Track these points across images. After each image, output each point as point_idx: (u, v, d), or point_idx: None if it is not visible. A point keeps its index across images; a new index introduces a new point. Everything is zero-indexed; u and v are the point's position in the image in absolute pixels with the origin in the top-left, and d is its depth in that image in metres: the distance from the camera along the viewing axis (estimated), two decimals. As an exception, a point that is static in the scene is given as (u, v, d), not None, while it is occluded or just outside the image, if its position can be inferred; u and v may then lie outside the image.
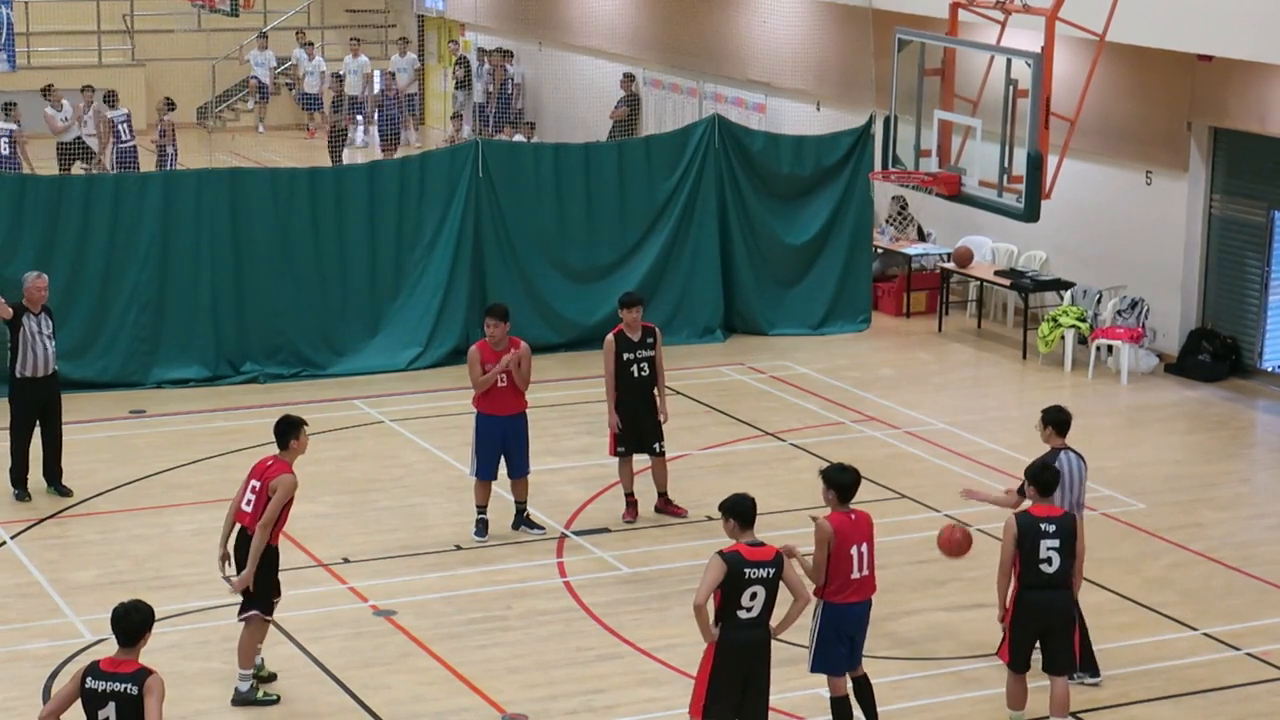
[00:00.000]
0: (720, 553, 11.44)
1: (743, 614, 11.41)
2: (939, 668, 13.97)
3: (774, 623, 11.68)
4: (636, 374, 16.57)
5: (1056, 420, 13.47)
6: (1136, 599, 15.35)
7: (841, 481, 12.26)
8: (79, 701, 10.05)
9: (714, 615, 11.50)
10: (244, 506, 13.16)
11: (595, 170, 22.81)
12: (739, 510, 11.60)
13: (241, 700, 13.22)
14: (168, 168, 29.42)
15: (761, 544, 11.52)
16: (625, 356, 16.54)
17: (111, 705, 9.96)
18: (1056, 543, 12.42)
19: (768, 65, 28.51)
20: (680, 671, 13.42)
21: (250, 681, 13.27)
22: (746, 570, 11.36)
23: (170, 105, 30.84)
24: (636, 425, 16.65)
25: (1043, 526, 12.45)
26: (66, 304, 18.19)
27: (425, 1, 37.91)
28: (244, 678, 13.25)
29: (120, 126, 30.29)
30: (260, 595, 13.16)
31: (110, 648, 10.23)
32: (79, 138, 30.53)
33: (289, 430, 13.22)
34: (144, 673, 10.03)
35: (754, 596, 11.39)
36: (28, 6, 35.47)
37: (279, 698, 13.29)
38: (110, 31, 37.57)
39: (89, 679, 10.03)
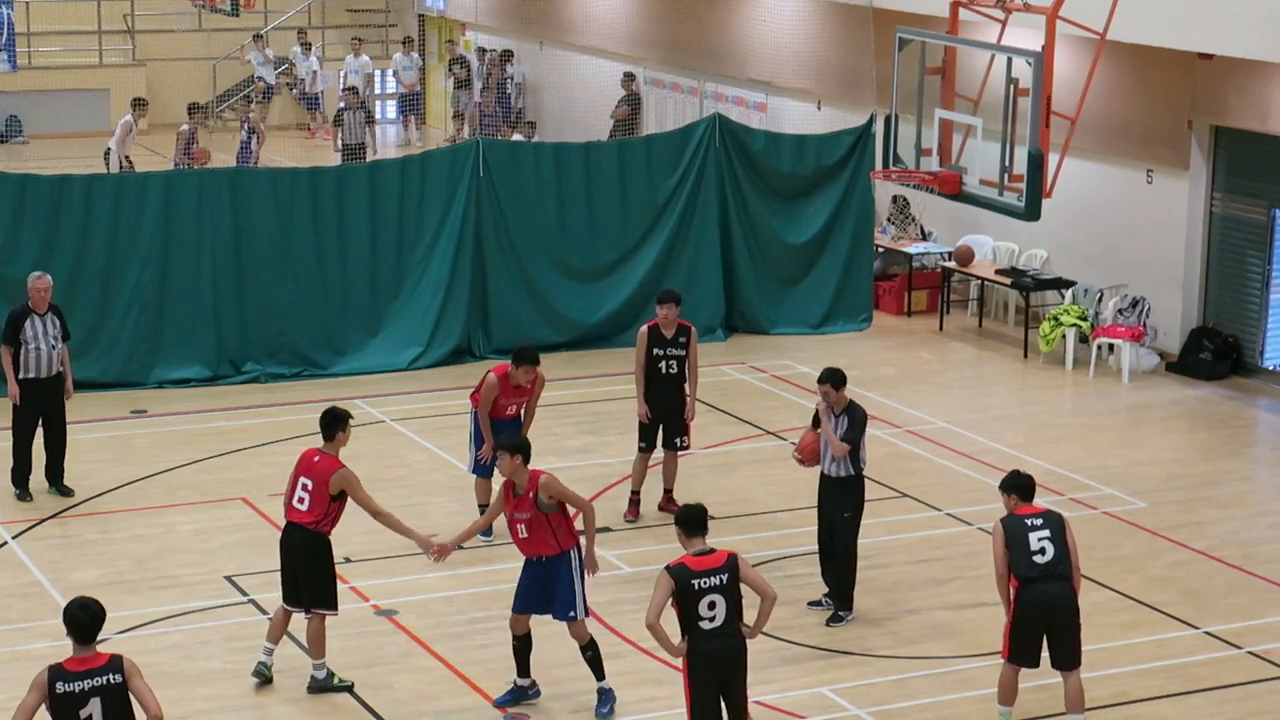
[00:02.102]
0: (667, 567, 11.42)
1: (705, 624, 11.37)
2: (939, 666, 13.97)
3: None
4: (665, 370, 16.58)
5: (845, 379, 14.54)
6: (1138, 598, 15.35)
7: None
8: (44, 710, 9.98)
9: (679, 629, 11.47)
10: (296, 504, 13.24)
11: (596, 170, 22.81)
12: (684, 520, 11.59)
13: (319, 688, 13.35)
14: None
15: (711, 551, 11.47)
16: (655, 352, 16.55)
17: (95, 701, 9.92)
18: (1047, 533, 12.46)
19: (768, 64, 28.50)
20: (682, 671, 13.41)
21: (325, 669, 13.39)
22: (695, 581, 11.32)
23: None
24: (661, 421, 16.67)
25: (1029, 521, 12.52)
26: (67, 304, 18.18)
27: (426, 1, 37.92)
28: (319, 666, 13.39)
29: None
30: (332, 590, 13.35)
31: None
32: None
33: (335, 423, 13.44)
34: (118, 659, 10.05)
35: (712, 606, 11.34)
36: (28, 6, 35.48)
37: (353, 684, 13.44)
38: (111, 31, 37.58)
39: (59, 683, 9.92)
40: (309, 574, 13.27)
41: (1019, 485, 12.77)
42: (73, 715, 9.96)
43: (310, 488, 13.17)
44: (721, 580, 11.36)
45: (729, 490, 17.60)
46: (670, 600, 11.36)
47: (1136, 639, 14.54)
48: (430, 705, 13.28)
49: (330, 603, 13.36)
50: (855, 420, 14.48)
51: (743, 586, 11.49)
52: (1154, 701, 13.49)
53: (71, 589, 15.14)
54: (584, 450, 18.87)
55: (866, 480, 14.75)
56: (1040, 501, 16.97)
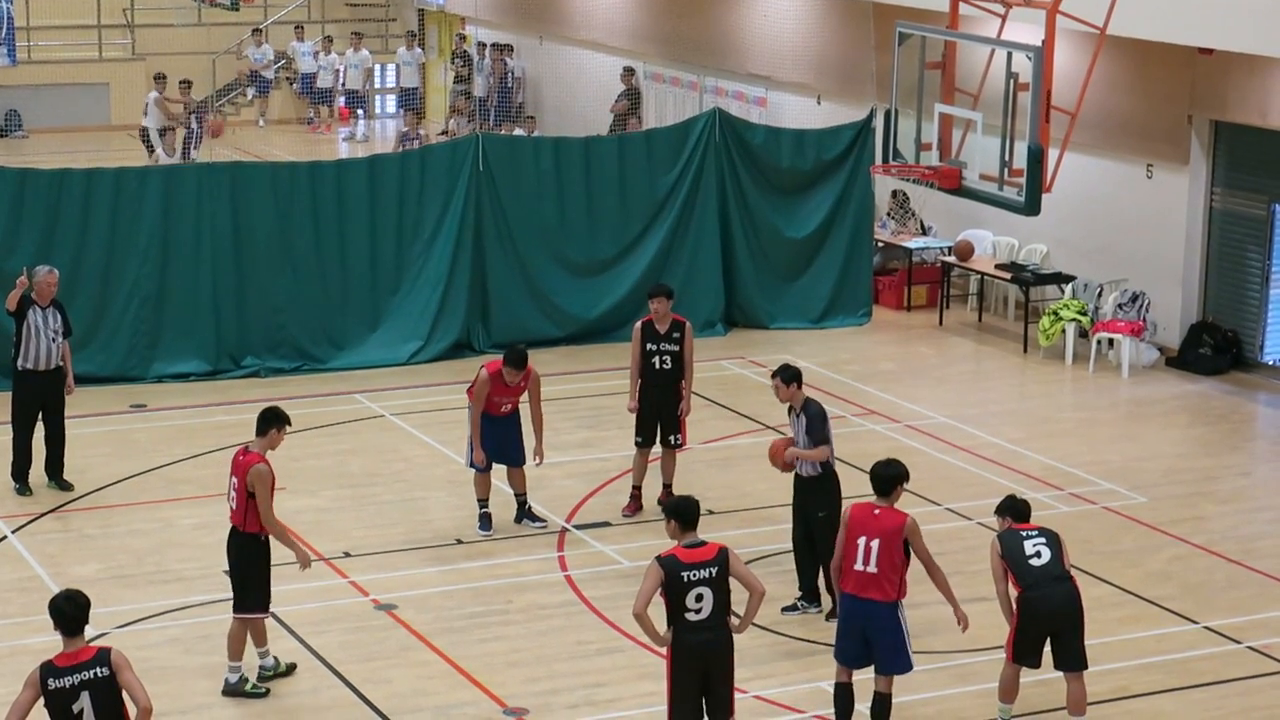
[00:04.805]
0: (657, 558, 11.43)
1: (691, 616, 11.38)
2: (939, 661, 13.97)
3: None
4: (659, 365, 16.53)
5: (799, 376, 14.44)
6: (1137, 592, 15.35)
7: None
8: (40, 705, 10.02)
9: (666, 619, 11.49)
10: (230, 504, 13.20)
11: (596, 164, 22.80)
12: (679, 512, 11.56)
13: (230, 691, 13.27)
14: (194, 145, 29.95)
15: (702, 544, 11.46)
16: (649, 347, 16.51)
17: (85, 695, 9.96)
18: (1042, 540, 12.52)
19: (768, 59, 28.49)
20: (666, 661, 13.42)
21: (239, 674, 13.30)
22: (684, 573, 11.32)
23: (189, 85, 31.20)
24: (657, 417, 16.64)
25: (1024, 534, 12.59)
26: (67, 298, 18.19)
27: (426, -5, 37.96)
28: (233, 670, 13.30)
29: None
30: (254, 593, 13.18)
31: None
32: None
33: (272, 421, 13.28)
34: (105, 652, 10.07)
35: (699, 598, 11.34)
36: (28, 1, 35.45)
37: (268, 691, 13.31)
38: (110, 26, 37.56)
39: (51, 679, 9.99)
40: (234, 574, 13.25)
41: (1014, 509, 12.83)
42: (66, 710, 9.98)
43: (236, 485, 13.14)
44: (711, 573, 11.36)
45: (728, 485, 17.59)
46: (659, 591, 11.36)
47: (1136, 634, 14.54)
48: (429, 700, 13.28)
49: (247, 605, 13.22)
50: (814, 416, 14.35)
51: (732, 581, 11.49)
52: (1153, 696, 13.50)
53: (71, 584, 15.11)
54: (583, 445, 18.87)
55: (847, 473, 14.69)
56: (1039, 496, 17.04)
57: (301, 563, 13.22)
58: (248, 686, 13.31)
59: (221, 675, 13.49)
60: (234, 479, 13.14)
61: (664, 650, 11.63)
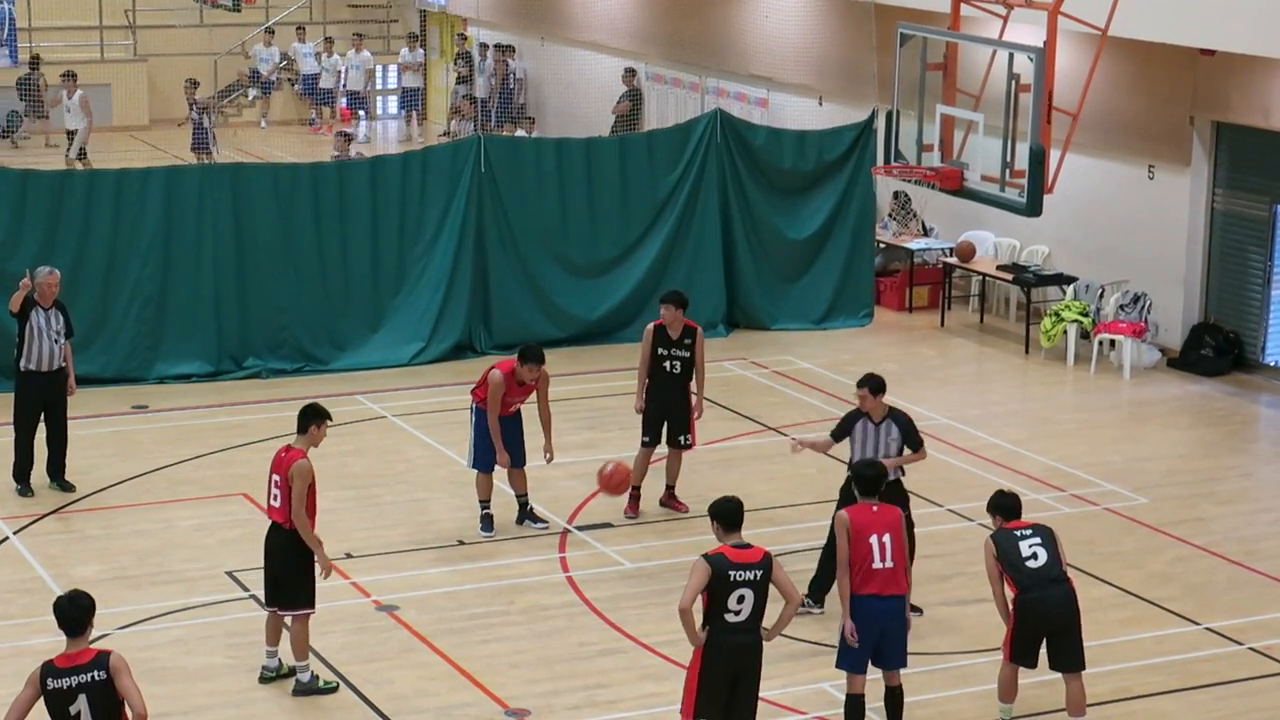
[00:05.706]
0: (705, 555, 11.42)
1: (730, 617, 11.38)
2: (941, 662, 13.97)
3: (769, 624, 11.65)
4: (669, 369, 16.58)
5: (884, 386, 14.38)
6: (1139, 594, 15.35)
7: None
8: (40, 704, 10.03)
9: (702, 617, 11.49)
10: (271, 502, 13.19)
11: (597, 165, 22.80)
12: (724, 513, 11.57)
13: (303, 690, 13.24)
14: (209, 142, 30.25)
15: (748, 546, 11.48)
16: (660, 351, 16.56)
17: (82, 698, 9.97)
18: (1038, 540, 12.50)
19: (770, 60, 28.49)
20: (683, 666, 13.40)
21: (309, 671, 13.32)
22: (731, 573, 11.32)
23: (195, 84, 31.13)
24: (664, 419, 16.66)
25: (1019, 534, 12.56)
26: (69, 299, 18.19)
27: (427, -4, 37.98)
28: (303, 669, 13.30)
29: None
30: (306, 589, 13.21)
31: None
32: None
33: (311, 417, 13.32)
34: (105, 655, 10.08)
35: (741, 600, 11.35)
36: (30, 2, 35.44)
37: (338, 685, 13.36)
38: (112, 26, 37.57)
39: (50, 679, 10.00)
40: (281, 572, 13.22)
41: (1003, 506, 12.78)
42: (63, 711, 9.99)
43: (279, 483, 13.14)
44: (756, 576, 11.37)
45: (730, 486, 17.54)
46: (703, 589, 11.36)
47: (1137, 635, 14.54)
48: (431, 701, 13.28)
49: (303, 603, 13.24)
50: (907, 422, 14.38)
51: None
52: (1155, 697, 13.50)
53: (73, 584, 15.10)
54: (586, 446, 18.86)
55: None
56: (1041, 498, 17.05)
57: (324, 570, 13.19)
58: (320, 684, 13.31)
59: (224, 675, 13.50)
60: (275, 476, 13.13)
61: (680, 653, 11.61)
